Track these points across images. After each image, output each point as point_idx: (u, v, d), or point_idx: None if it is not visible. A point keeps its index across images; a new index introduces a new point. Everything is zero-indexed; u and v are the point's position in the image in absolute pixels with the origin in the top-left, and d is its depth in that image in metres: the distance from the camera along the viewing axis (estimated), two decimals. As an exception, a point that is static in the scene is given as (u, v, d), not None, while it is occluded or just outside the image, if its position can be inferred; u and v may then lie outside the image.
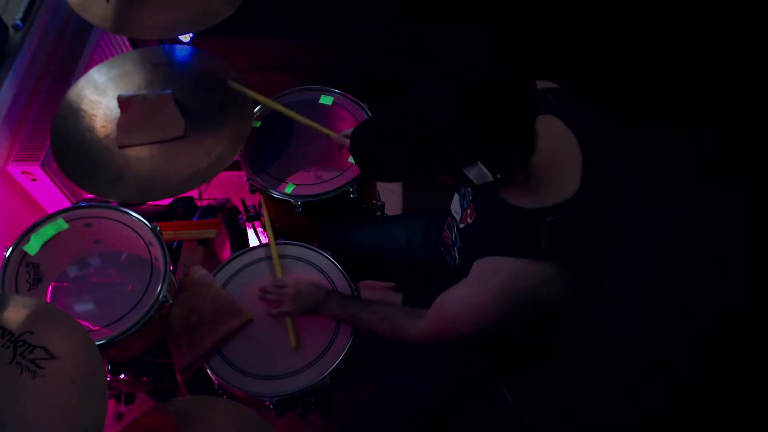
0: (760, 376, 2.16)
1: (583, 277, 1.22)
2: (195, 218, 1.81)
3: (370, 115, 1.83)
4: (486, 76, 1.07)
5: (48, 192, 1.96)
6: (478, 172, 1.09)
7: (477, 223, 1.32)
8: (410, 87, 1.12)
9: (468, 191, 1.39)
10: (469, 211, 1.36)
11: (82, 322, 1.30)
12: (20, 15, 1.88)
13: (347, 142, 1.68)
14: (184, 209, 1.84)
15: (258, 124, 1.82)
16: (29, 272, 1.52)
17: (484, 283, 1.22)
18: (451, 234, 1.45)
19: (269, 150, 1.86)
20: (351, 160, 1.77)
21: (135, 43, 2.31)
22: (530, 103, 1.09)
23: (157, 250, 1.52)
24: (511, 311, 1.20)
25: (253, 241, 2.11)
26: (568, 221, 1.15)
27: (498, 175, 1.10)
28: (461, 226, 1.39)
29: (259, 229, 2.05)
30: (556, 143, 1.15)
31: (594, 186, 1.18)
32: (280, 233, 1.92)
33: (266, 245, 1.67)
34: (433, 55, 2.36)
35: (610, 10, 2.34)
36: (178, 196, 1.80)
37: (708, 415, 2.11)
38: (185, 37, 1.97)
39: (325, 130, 1.74)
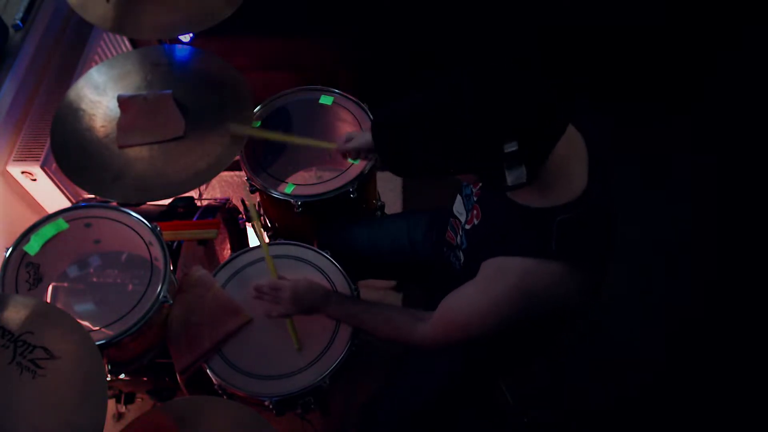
0: (761, 374, 2.16)
1: (591, 276, 1.22)
2: (195, 218, 1.81)
3: (370, 115, 1.82)
4: (529, 73, 1.04)
5: (48, 192, 1.96)
6: (519, 174, 1.05)
7: (484, 224, 1.32)
8: (430, 79, 1.07)
9: (472, 191, 1.39)
10: (475, 212, 1.35)
11: (82, 322, 1.30)
12: (20, 15, 1.88)
13: (347, 146, 1.68)
14: (184, 209, 1.84)
15: (258, 124, 1.83)
16: (29, 272, 1.52)
17: (493, 284, 1.21)
18: (456, 235, 1.45)
19: (269, 150, 1.87)
20: (351, 161, 1.77)
21: (135, 43, 2.31)
22: (567, 102, 1.06)
23: (157, 250, 1.52)
24: (520, 312, 1.20)
25: (253, 241, 2.11)
26: (577, 220, 1.15)
27: (530, 177, 1.07)
28: (467, 227, 1.38)
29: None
30: (564, 142, 1.14)
31: (600, 185, 1.18)
32: (280, 233, 1.93)
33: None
34: (433, 54, 2.38)
35: (610, 10, 2.34)
36: (178, 196, 1.80)
37: (708, 414, 2.11)
38: (185, 37, 1.97)
39: (324, 144, 1.73)
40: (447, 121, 1.04)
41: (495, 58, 1.06)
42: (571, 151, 1.17)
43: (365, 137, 1.70)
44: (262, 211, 1.95)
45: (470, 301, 1.26)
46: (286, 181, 1.78)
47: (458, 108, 1.03)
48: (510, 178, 1.06)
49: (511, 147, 1.02)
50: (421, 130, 1.07)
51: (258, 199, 1.88)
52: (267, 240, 1.75)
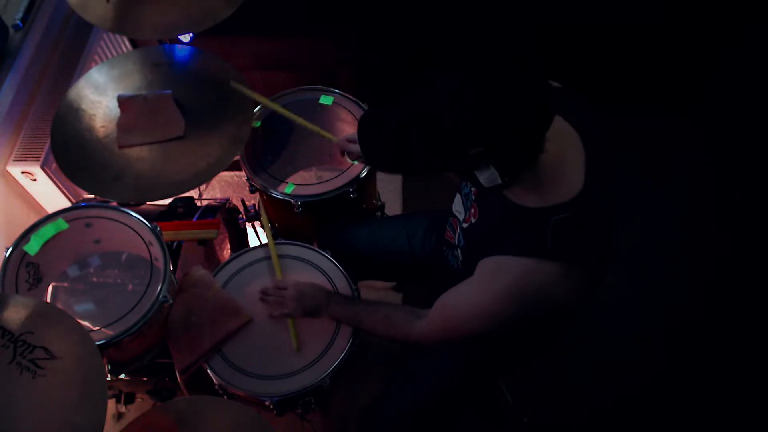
0: (761, 374, 2.16)
1: (588, 276, 1.22)
2: (195, 218, 1.81)
3: (369, 115, 1.82)
4: (499, 78, 1.04)
5: (48, 192, 1.96)
6: (490, 176, 1.08)
7: (481, 222, 1.32)
8: (421, 81, 1.09)
9: (471, 190, 1.39)
10: (472, 210, 1.35)
11: (82, 322, 1.30)
12: (20, 15, 1.88)
13: (349, 146, 1.69)
14: (184, 209, 1.84)
15: (258, 124, 1.82)
16: (29, 272, 1.52)
17: (489, 283, 1.22)
18: (455, 234, 1.45)
19: (269, 150, 1.87)
20: (350, 161, 1.77)
21: (135, 43, 2.31)
22: (544, 105, 1.06)
23: (157, 250, 1.52)
24: (516, 311, 1.20)
25: (253, 241, 2.11)
26: (574, 220, 1.15)
27: (506, 178, 1.08)
28: (465, 226, 1.38)
29: (259, 229, 2.05)
30: (561, 142, 1.14)
31: (597, 184, 1.18)
32: (280, 233, 1.93)
33: (266, 245, 1.67)
34: (433, 54, 2.38)
35: (610, 10, 2.34)
36: (178, 196, 1.80)
37: (708, 414, 2.11)
38: (185, 37, 1.97)
39: (327, 134, 1.74)
40: (447, 121, 1.04)
41: (495, 58, 1.06)
42: (567, 151, 1.17)
43: None
44: (262, 212, 1.95)
45: (467, 299, 1.26)
46: (286, 181, 1.78)
47: (458, 108, 1.03)
48: (482, 179, 1.08)
49: (476, 149, 1.04)
50: (422, 130, 1.07)
51: (258, 199, 1.89)
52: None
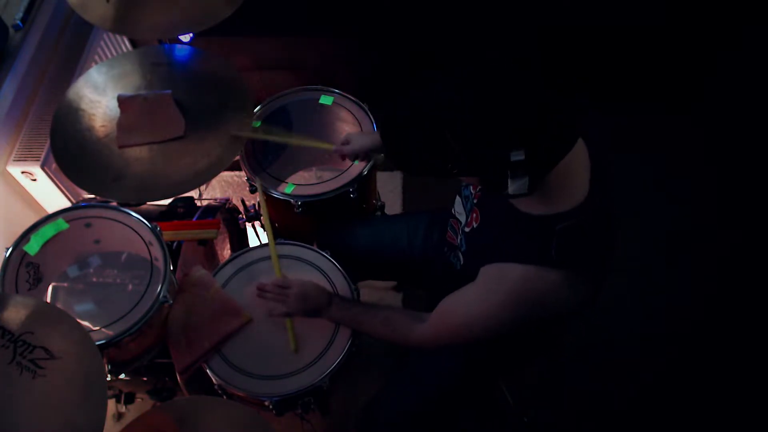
0: (761, 374, 2.16)
1: (590, 281, 1.21)
2: (195, 218, 1.81)
3: (370, 115, 1.82)
4: (499, 78, 1.03)
5: (48, 192, 1.96)
6: (521, 185, 1.05)
7: (483, 227, 1.31)
8: (422, 81, 1.07)
9: (471, 193, 1.38)
10: (474, 215, 1.35)
11: (82, 322, 1.30)
12: (20, 15, 1.88)
13: (345, 150, 1.69)
14: (184, 209, 1.84)
15: (258, 124, 1.83)
16: (29, 272, 1.52)
17: (491, 290, 1.21)
18: (456, 236, 1.45)
19: (269, 150, 1.87)
20: (351, 162, 1.78)
21: (135, 43, 2.31)
22: (544, 105, 1.04)
23: (157, 250, 1.52)
24: (517, 317, 1.20)
25: (253, 241, 2.11)
26: (578, 228, 1.15)
27: (532, 188, 1.06)
28: (467, 230, 1.38)
29: (260, 229, 2.05)
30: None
31: (602, 192, 1.18)
32: (280, 233, 1.93)
33: (266, 245, 1.67)
34: (433, 54, 2.38)
35: (610, 10, 2.34)
36: (178, 196, 1.80)
37: (708, 414, 2.11)
38: (185, 37, 1.98)
39: (324, 145, 1.74)
40: (447, 120, 1.04)
41: (495, 58, 1.05)
42: (574, 158, 1.16)
43: (362, 140, 1.71)
44: (262, 211, 1.95)
45: (469, 305, 1.26)
46: (286, 181, 1.78)
47: (458, 108, 1.03)
48: (512, 187, 1.05)
49: (517, 156, 1.01)
50: (421, 130, 1.07)
51: (258, 199, 1.89)
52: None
